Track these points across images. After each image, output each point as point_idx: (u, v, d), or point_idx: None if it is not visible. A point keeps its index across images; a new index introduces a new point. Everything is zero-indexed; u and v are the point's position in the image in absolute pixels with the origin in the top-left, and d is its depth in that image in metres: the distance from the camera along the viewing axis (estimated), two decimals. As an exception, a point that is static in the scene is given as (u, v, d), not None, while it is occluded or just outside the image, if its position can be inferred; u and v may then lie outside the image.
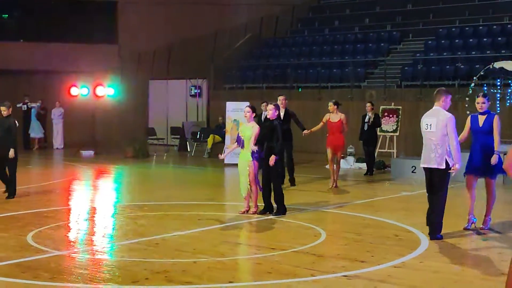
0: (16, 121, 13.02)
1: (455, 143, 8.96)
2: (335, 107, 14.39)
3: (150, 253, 8.38)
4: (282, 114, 14.47)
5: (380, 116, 18.76)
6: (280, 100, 14.45)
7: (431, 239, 9.12)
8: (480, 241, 9.21)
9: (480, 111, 9.72)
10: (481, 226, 9.75)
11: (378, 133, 18.69)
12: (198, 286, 6.88)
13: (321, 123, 14.57)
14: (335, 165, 14.49)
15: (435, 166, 9.05)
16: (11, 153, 12.57)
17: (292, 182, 14.68)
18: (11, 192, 12.86)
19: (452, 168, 8.97)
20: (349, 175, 17.55)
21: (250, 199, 11.22)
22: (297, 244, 8.86)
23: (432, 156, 9.09)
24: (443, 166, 8.99)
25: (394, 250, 8.60)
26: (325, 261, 8.04)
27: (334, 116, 14.37)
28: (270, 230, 10.10)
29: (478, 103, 9.77)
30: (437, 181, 9.09)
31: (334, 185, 14.44)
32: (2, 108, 12.82)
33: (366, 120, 17.40)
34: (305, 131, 14.47)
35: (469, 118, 9.90)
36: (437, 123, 9.04)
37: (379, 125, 18.27)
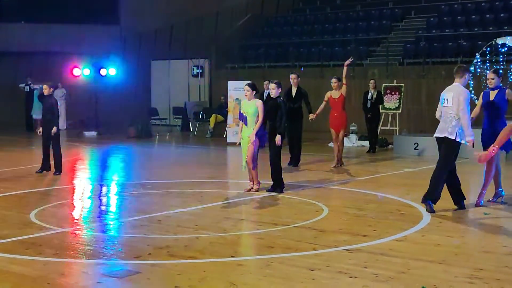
0: (57, 100, 13.82)
1: (467, 116, 9.02)
2: (339, 82, 14.30)
3: (152, 229, 8.42)
4: (294, 92, 14.47)
5: (382, 93, 18.73)
6: (292, 78, 14.42)
7: (421, 201, 9.26)
8: (481, 215, 9.23)
9: (491, 86, 9.86)
10: (477, 200, 9.78)
11: (381, 110, 18.66)
12: (200, 260, 6.91)
13: (324, 102, 14.46)
14: (338, 144, 14.43)
15: (445, 135, 9.13)
16: (54, 130, 13.29)
17: (297, 161, 14.62)
18: (57, 168, 13.34)
19: (467, 141, 9.03)
20: (352, 153, 17.55)
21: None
22: (299, 220, 8.90)
23: (445, 127, 9.18)
24: (453, 137, 9.05)
25: (396, 224, 8.63)
26: (327, 235, 8.07)
27: (336, 92, 14.28)
28: (272, 206, 10.14)
29: (488, 79, 10.01)
30: (443, 148, 9.16)
31: (338, 164, 14.38)
32: (44, 86, 13.17)
33: (369, 97, 17.38)
34: (311, 115, 14.23)
35: (481, 94, 10.04)
36: (453, 97, 9.09)
37: (382, 102, 18.25)
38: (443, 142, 9.23)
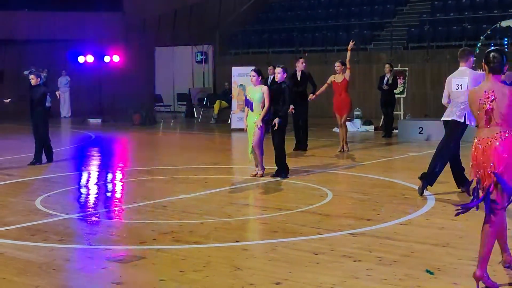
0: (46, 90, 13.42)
1: None
2: (343, 67, 14.26)
3: (157, 215, 8.45)
4: (299, 76, 14.50)
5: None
6: (301, 62, 14.53)
7: (418, 177, 9.30)
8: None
9: None
10: None
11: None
12: (205, 245, 6.94)
13: (326, 85, 14.41)
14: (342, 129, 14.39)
15: (453, 118, 9.10)
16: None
17: (305, 146, 14.60)
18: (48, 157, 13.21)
19: None
20: (356, 138, 17.54)
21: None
22: (303, 205, 8.92)
23: (454, 110, 9.15)
24: (462, 120, 9.04)
25: (401, 208, 8.64)
26: (331, 220, 8.09)
27: (339, 76, 14.24)
28: (276, 191, 10.16)
29: None
30: (448, 129, 9.16)
31: (343, 150, 14.35)
32: (32, 77, 12.90)
33: (385, 81, 17.29)
34: (311, 95, 14.32)
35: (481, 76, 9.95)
36: (468, 82, 9.02)
37: (396, 87, 18.14)
38: (449, 125, 9.22)
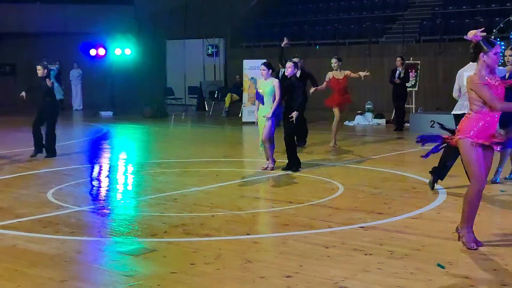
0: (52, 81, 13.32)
1: None
2: (340, 63, 13.85)
3: (168, 208, 8.47)
4: (298, 74, 14.29)
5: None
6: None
7: (429, 171, 9.29)
8: (498, 193, 9.19)
9: (509, 64, 9.66)
10: (493, 177, 9.73)
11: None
12: (216, 238, 6.95)
13: (325, 83, 13.88)
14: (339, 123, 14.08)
15: (464, 111, 9.03)
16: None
17: (303, 142, 14.43)
18: (49, 151, 13.13)
19: None
20: (368, 131, 17.50)
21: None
22: (314, 198, 8.91)
23: (465, 104, 9.06)
24: None
25: (412, 202, 8.62)
26: (342, 213, 8.07)
27: (338, 73, 13.87)
28: (287, 185, 10.15)
29: (505, 56, 9.66)
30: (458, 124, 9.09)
31: (335, 144, 13.97)
32: (38, 67, 12.88)
33: (397, 75, 17.22)
34: (312, 88, 13.91)
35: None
36: None
37: (408, 80, 18.06)
38: (459, 117, 9.16)
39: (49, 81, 12.81)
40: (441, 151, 9.10)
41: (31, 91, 13.43)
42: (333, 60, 13.99)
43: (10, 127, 19.39)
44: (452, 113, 9.40)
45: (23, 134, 17.45)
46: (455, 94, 9.39)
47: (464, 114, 9.05)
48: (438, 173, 9.23)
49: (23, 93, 13.30)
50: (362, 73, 13.85)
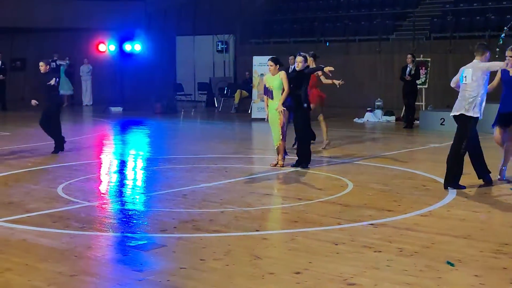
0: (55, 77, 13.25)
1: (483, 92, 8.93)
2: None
3: (178, 203, 8.49)
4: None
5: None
6: (292, 59, 14.13)
7: (444, 188, 9.06)
8: (507, 191, 9.15)
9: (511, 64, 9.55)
10: (498, 176, 9.68)
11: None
12: (225, 234, 6.96)
13: (331, 82, 12.92)
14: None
15: (462, 112, 8.98)
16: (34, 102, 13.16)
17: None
18: (57, 146, 13.10)
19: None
20: (377, 128, 17.47)
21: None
22: (324, 195, 8.91)
23: (463, 104, 9.02)
24: (470, 114, 8.91)
25: (422, 199, 8.60)
26: (351, 210, 8.06)
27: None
28: (297, 181, 10.14)
29: (506, 56, 9.53)
30: (458, 128, 9.04)
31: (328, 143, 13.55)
32: (41, 64, 12.90)
33: (407, 72, 17.14)
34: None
35: (499, 70, 9.77)
36: (472, 74, 8.93)
37: (419, 77, 17.99)
38: (459, 120, 9.09)
39: (54, 80, 12.82)
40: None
41: (36, 91, 13.43)
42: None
43: (20, 122, 19.47)
44: (450, 115, 9.28)
45: (31, 129, 17.53)
46: (452, 84, 9.45)
47: (461, 115, 9.01)
48: (454, 185, 9.07)
49: (35, 101, 13.34)
50: (336, 81, 12.79)
